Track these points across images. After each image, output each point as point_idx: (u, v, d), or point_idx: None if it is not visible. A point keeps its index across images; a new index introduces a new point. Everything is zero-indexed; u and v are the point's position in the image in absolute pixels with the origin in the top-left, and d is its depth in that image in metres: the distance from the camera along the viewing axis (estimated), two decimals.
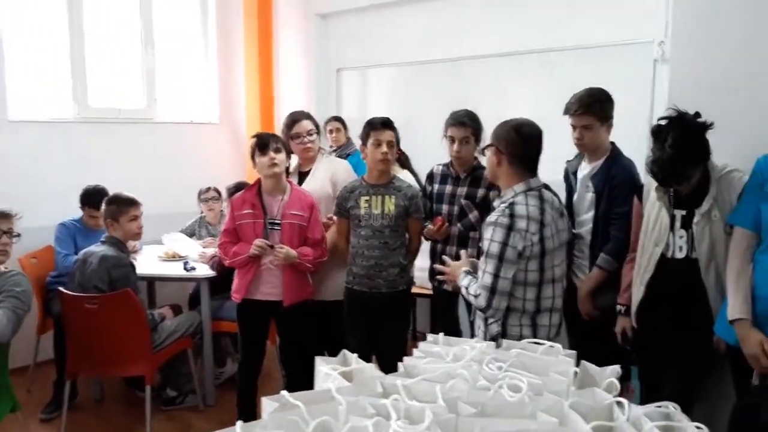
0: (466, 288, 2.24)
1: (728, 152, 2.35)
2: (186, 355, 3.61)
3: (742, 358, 2.10)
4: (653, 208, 2.43)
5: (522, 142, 2.22)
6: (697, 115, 2.26)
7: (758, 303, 2.07)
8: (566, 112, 2.78)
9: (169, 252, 3.99)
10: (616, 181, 2.67)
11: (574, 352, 1.40)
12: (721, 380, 2.39)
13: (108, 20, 4.69)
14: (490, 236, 2.15)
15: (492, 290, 2.14)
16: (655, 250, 2.40)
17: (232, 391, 3.40)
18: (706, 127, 2.23)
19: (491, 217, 2.18)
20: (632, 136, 2.98)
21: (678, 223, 2.35)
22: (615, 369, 1.28)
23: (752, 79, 2.40)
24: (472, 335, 2.33)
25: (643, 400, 2.75)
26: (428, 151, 3.42)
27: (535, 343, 1.45)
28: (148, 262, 3.95)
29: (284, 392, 1.13)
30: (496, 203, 2.27)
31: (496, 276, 2.13)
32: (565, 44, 3.85)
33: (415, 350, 1.44)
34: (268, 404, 1.11)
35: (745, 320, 2.06)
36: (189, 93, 5.22)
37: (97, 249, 3.21)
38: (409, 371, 1.32)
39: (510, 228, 2.13)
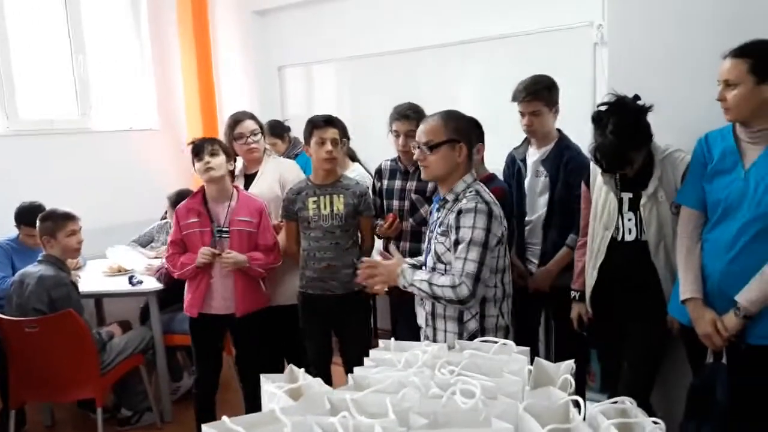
0: (429, 282, 2.09)
1: (670, 132, 2.36)
2: (139, 373, 3.49)
3: (695, 337, 2.11)
4: (601, 193, 2.43)
5: (481, 134, 2.21)
6: (637, 98, 2.26)
7: (708, 281, 2.08)
8: (514, 98, 2.78)
9: (113, 266, 3.84)
10: (570, 166, 2.69)
11: (527, 348, 1.37)
12: (678, 360, 2.40)
13: (34, 28, 4.47)
14: (472, 223, 2.06)
15: (476, 278, 2.03)
16: (605, 233, 2.40)
17: (190, 405, 3.30)
18: (645, 109, 2.23)
19: (467, 204, 2.09)
20: (576, 121, 2.97)
21: (626, 206, 2.35)
22: (569, 365, 1.25)
23: (690, 58, 2.41)
24: (434, 340, 2.24)
25: (603, 384, 2.78)
26: (378, 146, 3.38)
27: (487, 341, 1.41)
28: (92, 278, 3.79)
29: (225, 418, 1.06)
30: (449, 196, 2.18)
31: (481, 264, 2.04)
32: (506, 32, 3.84)
33: (366, 359, 1.38)
34: None
35: (697, 299, 2.08)
36: (126, 100, 5.03)
37: (34, 269, 3.06)
38: (358, 383, 1.26)
39: (490, 214, 2.08)
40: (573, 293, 2.62)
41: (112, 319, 3.79)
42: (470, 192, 2.14)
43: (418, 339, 3.19)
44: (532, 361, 1.32)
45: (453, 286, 2.05)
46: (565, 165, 2.74)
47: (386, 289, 2.46)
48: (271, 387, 1.22)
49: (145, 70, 5.12)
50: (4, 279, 3.45)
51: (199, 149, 2.86)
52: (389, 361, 1.34)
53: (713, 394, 1.99)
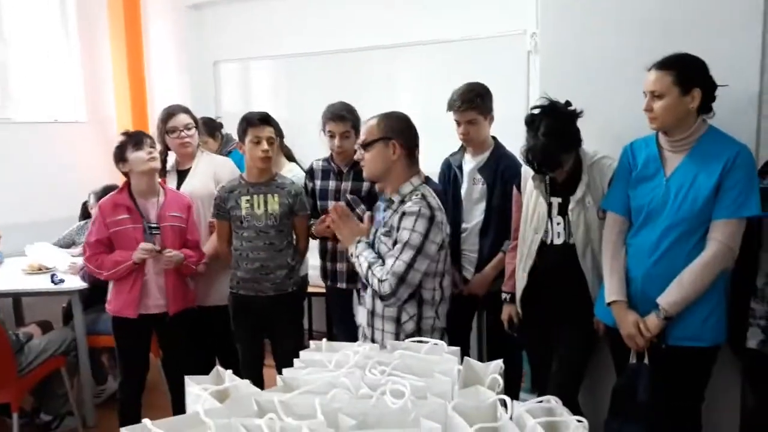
0: (369, 266, 2.13)
1: (598, 139, 2.44)
2: (60, 375, 3.33)
3: (620, 338, 2.19)
4: (531, 197, 2.49)
5: (414, 134, 2.21)
6: (568, 103, 2.33)
7: (632, 284, 2.16)
8: (450, 108, 2.79)
9: (34, 264, 3.65)
10: (508, 174, 2.71)
11: (457, 348, 1.38)
12: (604, 361, 2.48)
13: None
14: (412, 226, 2.07)
15: (401, 279, 2.06)
16: (535, 237, 2.45)
17: (114, 409, 3.14)
18: (576, 115, 2.30)
19: (411, 207, 2.09)
20: (510, 128, 3.03)
21: (555, 211, 2.41)
22: (497, 364, 1.27)
23: (619, 68, 2.49)
24: (373, 339, 2.23)
25: (533, 384, 2.84)
26: (314, 145, 3.35)
27: (419, 341, 1.41)
28: (10, 276, 3.60)
29: (146, 421, 1.02)
30: (395, 197, 2.18)
31: (410, 266, 2.06)
32: (442, 37, 3.89)
33: (295, 360, 1.36)
34: None
35: (621, 302, 2.15)
36: (50, 90, 4.80)
37: None
38: (288, 384, 1.24)
39: (431, 220, 2.09)
40: (504, 295, 2.67)
41: (31, 320, 3.61)
42: (416, 195, 2.15)
43: (355, 339, 3.21)
44: (462, 362, 1.33)
45: (380, 280, 2.09)
46: (502, 173, 2.77)
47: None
48: (196, 389, 1.19)
49: (72, 61, 4.90)
50: None
51: (139, 139, 2.77)
52: (320, 362, 1.33)
53: (635, 394, 2.06)
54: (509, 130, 2.93)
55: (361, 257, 2.18)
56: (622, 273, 2.19)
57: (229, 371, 1.26)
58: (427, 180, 2.31)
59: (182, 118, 3.13)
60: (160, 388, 3.54)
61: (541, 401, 1.08)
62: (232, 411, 1.09)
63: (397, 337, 2.15)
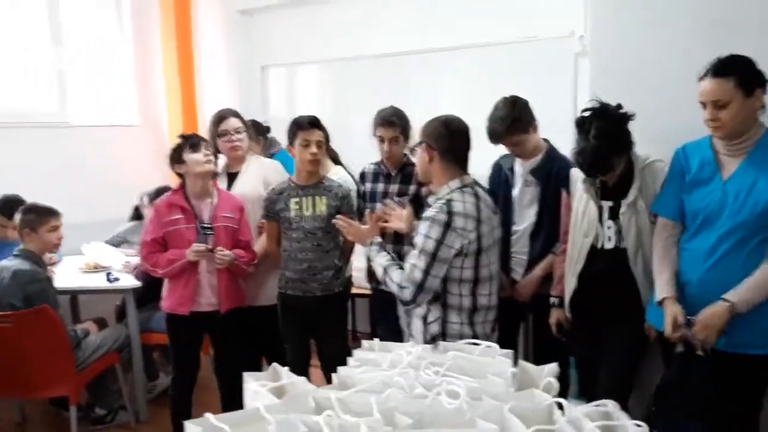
0: (385, 270, 2.22)
1: (650, 142, 2.40)
2: (114, 371, 3.43)
3: (672, 344, 2.15)
4: (581, 201, 2.46)
5: (451, 138, 2.22)
6: (619, 106, 2.30)
7: (686, 288, 2.12)
8: (490, 139, 2.74)
9: (90, 263, 3.78)
10: (562, 176, 2.65)
11: (510, 351, 1.38)
12: (655, 366, 2.44)
13: (12, 18, 4.39)
14: (426, 232, 2.11)
15: (420, 287, 2.11)
16: (585, 241, 2.42)
17: (166, 405, 3.24)
18: (627, 117, 2.27)
19: (429, 213, 2.14)
20: (557, 131, 3.00)
21: (606, 214, 2.38)
22: (553, 368, 1.27)
23: (670, 69, 2.45)
24: (409, 336, 2.27)
25: (581, 390, 2.81)
26: (360, 149, 3.39)
27: (473, 343, 1.42)
28: (68, 274, 3.73)
29: (208, 415, 1.06)
30: (431, 200, 2.22)
31: (426, 273, 2.10)
32: (489, 40, 3.87)
33: (350, 359, 1.38)
34: (191, 429, 1.04)
35: (670, 298, 2.11)
36: (106, 95, 4.96)
37: (10, 263, 3.00)
38: (343, 382, 1.27)
39: (448, 225, 2.10)
40: (552, 299, 2.64)
41: (87, 317, 3.73)
42: (442, 200, 2.17)
43: (399, 340, 3.22)
44: (515, 364, 1.33)
45: (400, 287, 2.16)
46: (556, 174, 2.72)
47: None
48: (254, 385, 1.22)
49: (127, 65, 5.05)
50: None
51: (196, 142, 2.84)
52: (374, 361, 1.35)
53: (685, 386, 2.01)
54: (556, 135, 2.91)
55: (375, 262, 2.25)
56: (672, 272, 2.15)
57: (286, 368, 1.29)
58: (476, 184, 2.31)
59: (233, 122, 3.20)
60: (211, 385, 3.62)
61: (597, 405, 1.08)
62: (290, 407, 1.12)
63: (424, 336, 2.19)
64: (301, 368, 2.96)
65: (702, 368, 2.02)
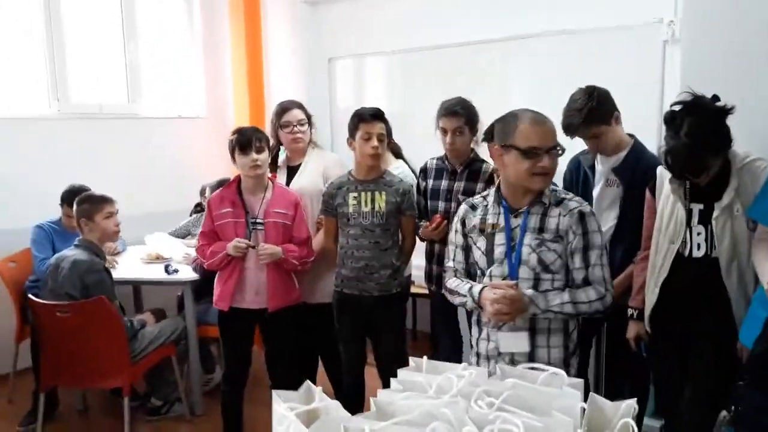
0: (573, 303, 1.88)
1: (749, 139, 2.11)
2: (171, 363, 3.41)
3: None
4: (667, 203, 2.20)
5: None
6: (715, 98, 2.03)
7: None
8: (566, 133, 2.49)
9: (152, 254, 3.78)
10: (649, 176, 2.35)
11: (580, 380, 1.18)
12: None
13: (87, 12, 4.47)
14: (597, 227, 1.94)
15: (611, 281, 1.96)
16: (671, 248, 2.17)
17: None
18: (725, 111, 1.99)
19: (585, 207, 1.94)
20: (643, 124, 2.74)
21: (695, 219, 2.12)
22: (630, 405, 1.06)
23: None
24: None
25: (657, 409, 2.55)
26: (426, 143, 3.21)
27: (534, 368, 1.23)
28: (129, 264, 3.75)
29: None
30: (546, 199, 1.95)
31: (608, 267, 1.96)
32: (569, 27, 3.60)
33: (392, 380, 1.22)
34: None
35: None
36: (174, 86, 4.99)
37: (70, 253, 3.01)
38: (382, 410, 1.10)
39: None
40: (630, 311, 2.39)
41: (149, 307, 3.73)
42: (561, 193, 2.00)
43: (459, 348, 3.04)
44: (585, 396, 1.13)
45: (601, 298, 1.91)
46: (642, 174, 2.42)
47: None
48: (283, 407, 1.08)
49: (195, 59, 5.07)
50: (43, 261, 3.43)
51: (245, 144, 2.73)
52: (419, 385, 1.18)
53: None
54: (641, 131, 2.66)
55: (554, 307, 1.89)
56: None
57: (319, 388, 1.14)
58: None
59: (296, 114, 3.11)
60: (264, 381, 3.55)
61: None
62: None
63: (566, 350, 1.97)
64: (356, 368, 2.87)
65: None
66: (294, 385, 3.05)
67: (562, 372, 1.20)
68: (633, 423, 1.01)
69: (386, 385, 2.85)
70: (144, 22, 4.74)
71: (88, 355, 2.99)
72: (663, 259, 2.20)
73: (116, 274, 3.28)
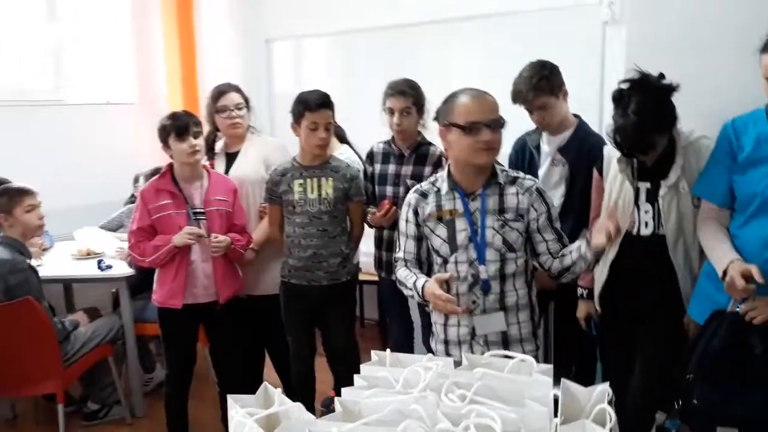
0: (570, 267, 1.97)
1: (694, 117, 2.14)
2: (107, 364, 3.24)
3: None
4: (615, 182, 2.21)
5: None
6: (661, 76, 2.04)
7: None
8: (515, 101, 2.49)
9: (82, 249, 3.57)
10: (594, 156, 2.37)
11: (549, 366, 1.14)
12: None
13: None
14: (552, 200, 2.01)
15: None
16: None
17: (163, 398, 3.06)
18: (671, 89, 2.01)
19: (538, 184, 1.99)
20: (584, 106, 2.74)
21: (643, 197, 2.14)
22: (604, 390, 1.03)
23: (717, 35, 2.19)
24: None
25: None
26: (368, 127, 3.13)
27: (505, 356, 1.18)
28: (58, 261, 3.52)
29: None
30: (502, 179, 1.96)
31: None
32: (510, 8, 3.58)
33: (356, 377, 1.15)
34: None
35: (738, 260, 1.82)
36: (102, 71, 4.70)
37: None
38: (348, 410, 1.03)
39: None
40: (580, 290, 2.41)
41: (82, 305, 3.53)
42: (511, 172, 2.02)
43: (410, 335, 3.00)
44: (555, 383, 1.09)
45: (583, 255, 1.92)
46: (587, 154, 2.45)
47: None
48: (240, 414, 0.99)
49: (125, 41, 4.79)
50: None
51: (182, 129, 2.59)
52: (385, 381, 1.12)
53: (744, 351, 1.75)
54: (583, 112, 2.66)
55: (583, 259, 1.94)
56: (730, 243, 1.89)
57: (279, 390, 1.06)
58: None
59: (233, 97, 2.96)
60: (207, 378, 3.43)
61: None
62: None
63: (533, 324, 2.01)
64: (305, 361, 2.80)
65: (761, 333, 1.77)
66: (241, 381, 2.95)
67: (531, 358, 1.16)
68: (610, 409, 0.97)
69: (338, 376, 2.82)
70: (67, 2, 4.44)
71: (17, 360, 2.78)
72: None
73: (44, 272, 3.06)
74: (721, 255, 1.87)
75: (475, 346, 1.96)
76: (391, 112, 2.70)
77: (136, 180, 3.93)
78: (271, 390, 1.08)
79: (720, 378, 1.80)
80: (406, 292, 2.06)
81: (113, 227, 4.01)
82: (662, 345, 2.18)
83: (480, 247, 1.93)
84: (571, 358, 2.77)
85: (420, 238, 2.05)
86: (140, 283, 3.29)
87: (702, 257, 2.08)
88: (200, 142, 2.65)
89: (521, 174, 2.01)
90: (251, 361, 3.13)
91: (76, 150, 4.34)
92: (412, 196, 2.07)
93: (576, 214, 2.51)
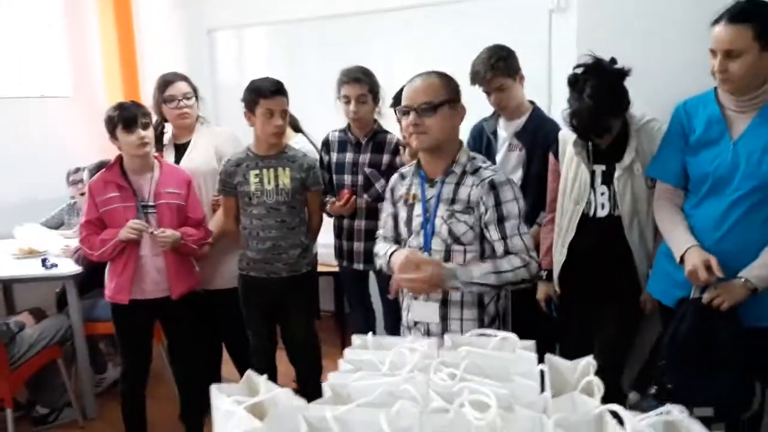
0: (496, 272, 1.79)
1: (642, 101, 2.21)
2: (56, 366, 3.11)
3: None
4: (571, 165, 2.27)
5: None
6: (613, 61, 2.10)
7: None
8: (474, 81, 2.52)
9: (24, 247, 3.40)
10: (549, 140, 2.42)
11: (532, 342, 1.16)
12: (648, 342, 2.29)
13: None
14: (513, 195, 1.84)
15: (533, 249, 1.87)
16: (576, 208, 2.24)
17: (115, 399, 2.97)
18: (624, 73, 2.08)
19: (499, 177, 1.84)
20: (532, 93, 2.79)
21: (598, 180, 2.21)
22: (588, 363, 1.06)
23: (665, 18, 2.27)
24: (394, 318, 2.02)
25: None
26: (313, 116, 3.10)
27: (483, 335, 1.20)
28: None
29: None
30: (456, 168, 1.89)
31: (529, 237, 1.88)
32: None
33: (341, 361, 1.14)
34: None
35: (696, 246, 1.88)
36: (34, 63, 4.48)
37: None
38: (338, 393, 1.02)
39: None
40: (540, 272, 2.46)
41: (23, 307, 3.36)
42: (479, 161, 1.92)
43: (372, 323, 3.00)
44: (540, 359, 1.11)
45: (525, 265, 1.81)
46: (544, 138, 2.51)
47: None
48: (227, 403, 0.96)
49: (58, 31, 4.58)
50: None
51: (131, 120, 2.49)
52: (370, 364, 1.11)
53: (709, 338, 1.82)
54: (530, 97, 2.71)
55: (477, 279, 1.79)
56: (687, 226, 1.94)
57: (264, 377, 1.04)
58: None
59: (180, 86, 2.88)
60: (164, 376, 3.34)
61: (661, 413, 0.87)
62: None
63: (480, 324, 1.91)
64: (266, 355, 2.75)
65: (725, 318, 1.83)
66: (199, 377, 2.88)
67: (513, 335, 1.18)
68: (598, 380, 1.00)
69: (299, 368, 2.80)
70: None
71: None
72: (569, 220, 2.27)
73: None
74: (679, 238, 1.94)
75: (416, 334, 1.94)
76: (347, 99, 2.68)
77: (67, 177, 3.78)
78: (256, 377, 1.05)
79: (690, 363, 1.84)
80: (378, 262, 2.04)
81: (54, 225, 3.85)
82: (621, 323, 2.26)
83: (427, 235, 1.91)
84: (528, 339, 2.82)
85: (396, 217, 2.05)
86: (87, 280, 3.18)
87: (657, 237, 2.15)
88: (149, 134, 2.56)
89: (488, 164, 1.93)
90: (210, 357, 3.07)
91: (9, 144, 4.11)
92: (394, 177, 2.08)
93: (532, 198, 2.56)
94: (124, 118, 2.50)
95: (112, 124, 2.52)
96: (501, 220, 1.83)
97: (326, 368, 2.94)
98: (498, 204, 1.83)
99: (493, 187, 1.83)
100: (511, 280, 1.81)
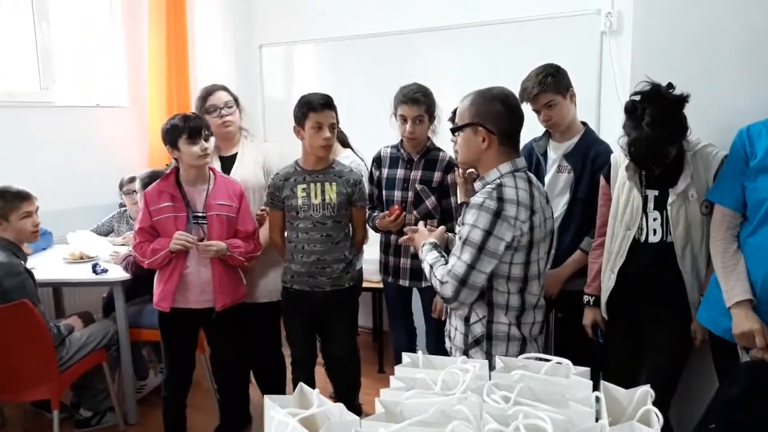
0: (431, 266, 1.91)
1: (699, 126, 2.16)
2: (101, 370, 3.17)
3: (727, 347, 1.92)
4: (623, 189, 2.22)
5: (511, 116, 1.88)
6: (671, 86, 2.06)
7: (753, 288, 1.88)
8: (522, 98, 2.49)
9: (75, 253, 3.50)
10: (599, 163, 2.40)
11: (587, 369, 1.14)
12: (699, 374, 2.22)
13: None
14: (473, 221, 1.80)
15: (462, 282, 1.79)
16: (627, 234, 2.19)
17: (156, 405, 3.02)
18: (683, 100, 2.03)
19: (476, 199, 1.82)
20: (582, 115, 2.76)
21: (651, 205, 2.16)
22: (646, 391, 1.03)
23: (722, 43, 2.21)
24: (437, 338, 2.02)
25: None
26: (361, 132, 3.13)
27: (539, 359, 1.18)
28: (51, 265, 3.44)
29: None
30: (477, 185, 1.91)
31: (471, 267, 1.79)
32: (507, 17, 3.63)
33: (392, 378, 1.13)
34: None
35: (747, 301, 1.85)
36: (93, 73, 4.64)
37: None
38: (390, 411, 1.02)
39: (497, 215, 1.78)
40: (587, 298, 2.41)
41: (72, 311, 3.46)
42: (492, 185, 1.85)
43: (413, 341, 2.99)
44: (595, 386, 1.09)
45: (441, 282, 1.86)
46: (593, 160, 2.48)
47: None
48: (280, 414, 0.97)
49: (117, 43, 4.74)
50: None
51: (195, 132, 2.54)
52: (422, 382, 1.10)
53: (755, 401, 1.75)
54: (580, 118, 2.67)
55: (425, 261, 1.97)
56: (744, 271, 1.90)
57: (316, 390, 1.04)
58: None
59: (221, 96, 2.90)
60: (203, 385, 3.38)
61: None
62: None
63: (466, 338, 1.93)
64: (306, 368, 2.75)
65: None
66: (239, 391, 2.91)
67: (566, 361, 1.16)
68: (656, 410, 0.97)
69: (338, 383, 2.80)
70: (58, 3, 4.37)
71: (11, 364, 2.71)
72: (620, 245, 2.22)
73: (37, 276, 2.99)
74: (734, 284, 1.90)
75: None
76: (404, 119, 2.67)
77: (121, 186, 3.88)
78: (308, 390, 1.06)
79: (741, 425, 1.78)
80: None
81: (104, 232, 3.96)
82: (669, 352, 2.19)
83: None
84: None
85: None
86: (134, 287, 3.25)
87: (710, 265, 2.09)
88: (210, 145, 2.61)
89: (491, 188, 1.85)
90: (248, 370, 3.10)
91: (67, 152, 4.24)
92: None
93: (578, 222, 2.53)
94: (190, 128, 2.54)
95: (175, 134, 2.55)
96: (461, 238, 1.86)
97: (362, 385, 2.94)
98: (463, 223, 1.87)
99: (466, 205, 1.90)
100: (433, 282, 1.91)
